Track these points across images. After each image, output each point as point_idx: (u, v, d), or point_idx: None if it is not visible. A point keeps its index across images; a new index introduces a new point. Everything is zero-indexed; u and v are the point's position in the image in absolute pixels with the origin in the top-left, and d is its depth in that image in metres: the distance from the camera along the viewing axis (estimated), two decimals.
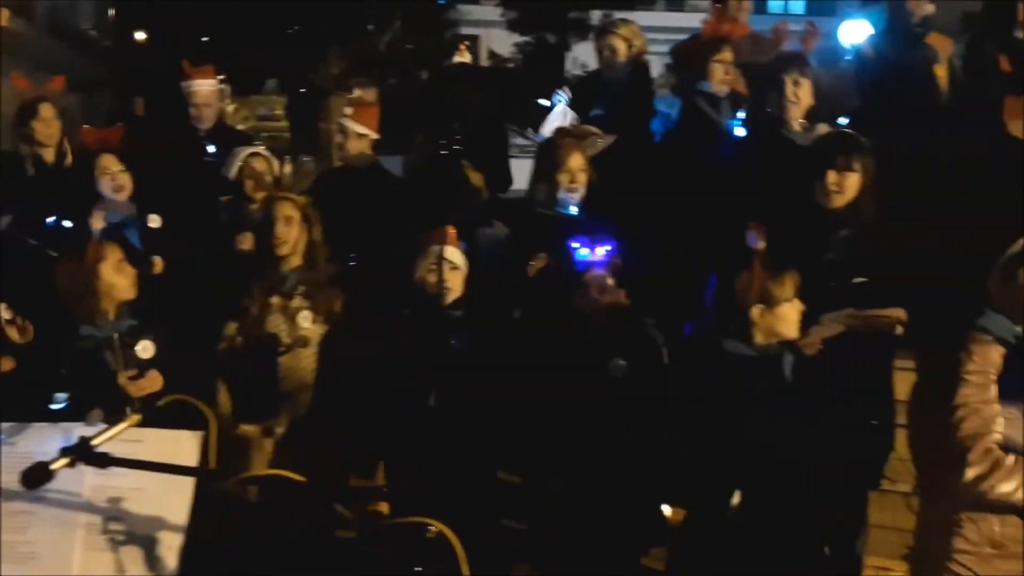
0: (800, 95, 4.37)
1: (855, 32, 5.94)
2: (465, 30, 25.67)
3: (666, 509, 3.72)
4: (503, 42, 21.41)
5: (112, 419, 2.35)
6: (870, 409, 3.70)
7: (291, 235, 3.97)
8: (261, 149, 5.01)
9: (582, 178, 4.26)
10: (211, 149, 5.21)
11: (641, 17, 8.56)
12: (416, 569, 1.82)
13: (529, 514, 3.58)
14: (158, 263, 4.47)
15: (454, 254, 3.78)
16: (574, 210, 4.23)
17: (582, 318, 3.56)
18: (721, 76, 4.77)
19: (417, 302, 3.77)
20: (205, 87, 5.35)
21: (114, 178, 4.62)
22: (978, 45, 5.44)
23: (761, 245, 3.18)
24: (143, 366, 3.59)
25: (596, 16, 18.83)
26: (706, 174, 4.41)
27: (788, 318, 3.19)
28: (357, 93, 6.48)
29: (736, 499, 3.11)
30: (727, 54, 4.78)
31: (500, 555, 3.55)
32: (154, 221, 4.63)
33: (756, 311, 3.17)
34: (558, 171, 4.24)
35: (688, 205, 4.33)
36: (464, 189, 4.70)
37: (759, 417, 3.12)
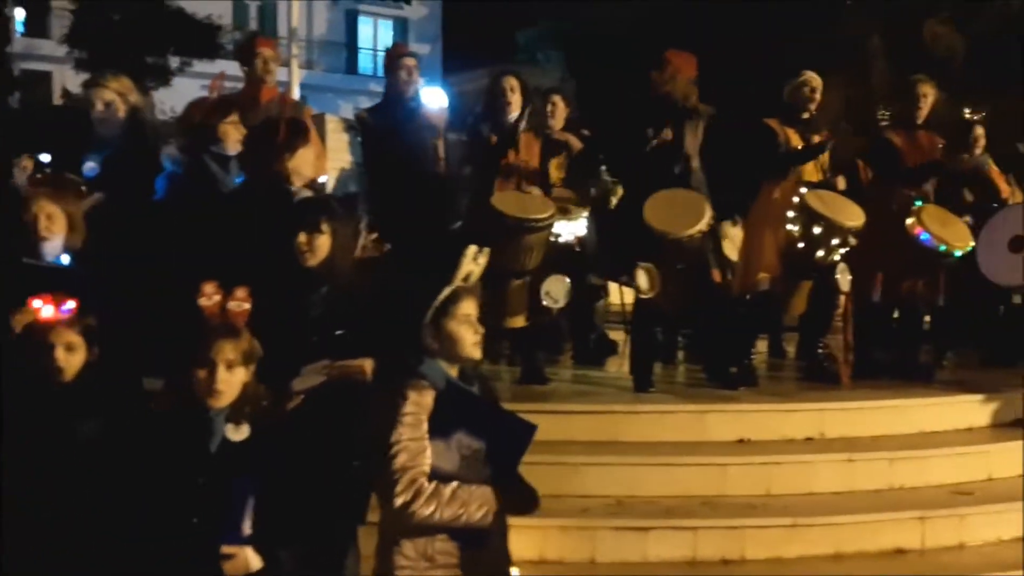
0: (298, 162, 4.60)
1: (432, 98, 6.87)
2: (36, 66, 23.88)
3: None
4: (77, 81, 20.08)
5: None
6: (353, 451, 3.99)
7: None
8: None
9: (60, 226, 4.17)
10: None
11: (226, 66, 8.37)
12: None
13: None
14: None
15: None
16: (65, 259, 4.15)
17: (50, 376, 3.46)
18: (236, 137, 4.91)
19: None
20: None
21: None
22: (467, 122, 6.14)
23: (207, 302, 3.22)
24: None
25: (175, 62, 18.36)
26: (206, 232, 4.50)
27: (232, 382, 3.26)
28: None
29: None
30: (235, 116, 4.95)
31: None
32: None
33: (201, 373, 3.22)
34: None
35: (182, 263, 4.38)
36: None
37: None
